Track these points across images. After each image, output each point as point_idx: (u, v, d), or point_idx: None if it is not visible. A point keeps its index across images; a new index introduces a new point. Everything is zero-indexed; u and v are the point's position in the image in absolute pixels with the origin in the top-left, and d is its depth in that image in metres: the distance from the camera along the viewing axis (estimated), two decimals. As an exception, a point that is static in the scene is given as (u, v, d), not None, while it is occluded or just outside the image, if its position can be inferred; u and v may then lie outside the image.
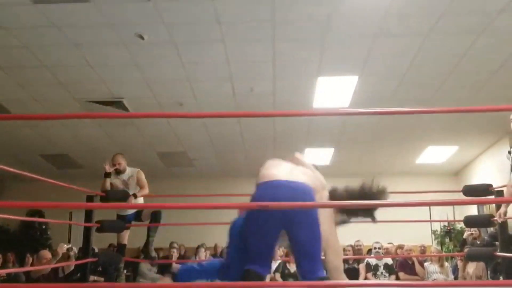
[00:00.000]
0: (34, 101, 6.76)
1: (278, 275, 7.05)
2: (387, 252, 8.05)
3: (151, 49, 5.40)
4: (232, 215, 3.11)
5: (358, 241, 7.93)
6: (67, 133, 8.31)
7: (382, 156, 9.72)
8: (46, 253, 6.51)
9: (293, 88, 6.44)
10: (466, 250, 5.51)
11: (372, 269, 7.06)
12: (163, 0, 4.51)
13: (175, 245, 8.63)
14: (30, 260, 7.67)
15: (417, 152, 9.56)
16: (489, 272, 6.29)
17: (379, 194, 2.79)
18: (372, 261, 7.15)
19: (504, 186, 4.55)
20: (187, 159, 9.82)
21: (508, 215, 4.47)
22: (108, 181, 5.19)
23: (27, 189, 9.37)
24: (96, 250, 6.51)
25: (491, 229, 6.37)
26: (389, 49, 5.41)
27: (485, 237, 6.69)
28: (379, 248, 7.57)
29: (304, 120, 7.70)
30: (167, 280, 3.44)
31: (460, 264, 7.10)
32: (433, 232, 10.41)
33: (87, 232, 4.93)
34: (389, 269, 7.08)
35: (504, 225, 4.69)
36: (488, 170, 9.10)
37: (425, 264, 7.35)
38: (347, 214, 2.88)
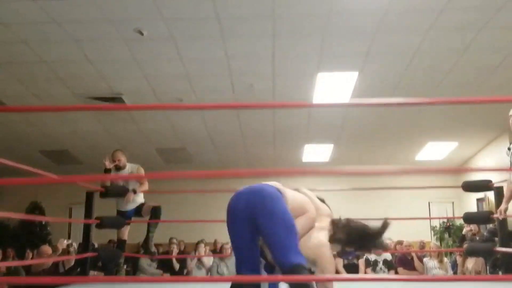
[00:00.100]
0: (34, 97, 6.75)
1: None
2: (386, 248, 8.06)
3: (151, 45, 5.39)
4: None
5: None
6: (67, 129, 8.31)
7: (382, 152, 9.72)
8: (47, 249, 6.51)
9: (293, 84, 6.42)
10: (465, 245, 5.52)
11: (371, 265, 7.08)
12: (162, -4, 4.50)
13: (175, 240, 8.64)
14: (30, 255, 7.69)
15: (417, 148, 9.57)
16: (488, 267, 6.30)
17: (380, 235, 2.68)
18: (371, 256, 7.15)
19: (504, 181, 4.56)
20: (186, 155, 9.82)
21: (509, 212, 4.48)
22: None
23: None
24: (96, 246, 6.52)
25: (490, 225, 6.38)
26: (389, 45, 5.40)
27: (484, 233, 6.70)
28: (378, 244, 7.57)
29: (303, 116, 7.70)
30: None
31: (459, 259, 7.12)
32: (432, 228, 10.43)
33: (86, 228, 4.95)
34: (388, 264, 7.11)
35: (504, 221, 4.70)
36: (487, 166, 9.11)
37: (424, 259, 7.37)
38: (342, 244, 2.70)
